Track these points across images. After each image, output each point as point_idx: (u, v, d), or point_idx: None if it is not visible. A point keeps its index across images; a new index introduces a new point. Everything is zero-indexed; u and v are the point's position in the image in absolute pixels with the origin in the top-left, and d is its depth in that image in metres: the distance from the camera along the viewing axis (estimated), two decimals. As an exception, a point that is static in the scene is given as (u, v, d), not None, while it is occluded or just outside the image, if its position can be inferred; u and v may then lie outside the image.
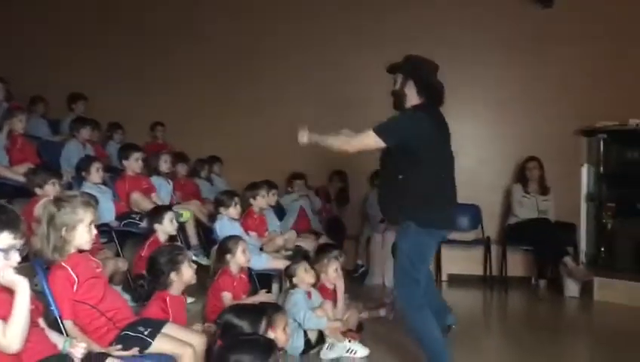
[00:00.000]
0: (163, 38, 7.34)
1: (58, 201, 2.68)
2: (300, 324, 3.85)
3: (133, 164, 5.04)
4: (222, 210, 4.78)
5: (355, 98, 6.84)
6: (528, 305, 5.79)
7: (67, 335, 2.56)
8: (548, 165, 6.28)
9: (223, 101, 7.21)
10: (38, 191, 4.07)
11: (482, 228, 6.49)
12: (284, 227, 5.60)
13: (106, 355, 2.47)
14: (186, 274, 3.23)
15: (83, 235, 2.67)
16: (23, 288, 2.12)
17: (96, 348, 2.57)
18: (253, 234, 4.95)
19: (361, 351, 3.91)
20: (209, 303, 4.04)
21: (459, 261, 6.33)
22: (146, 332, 2.71)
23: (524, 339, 4.51)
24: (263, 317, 2.58)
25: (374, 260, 6.41)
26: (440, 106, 3.45)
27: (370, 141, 3.31)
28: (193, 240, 5.03)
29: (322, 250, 4.55)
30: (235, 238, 4.16)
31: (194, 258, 4.34)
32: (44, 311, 2.50)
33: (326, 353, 3.89)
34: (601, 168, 6.21)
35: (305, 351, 3.90)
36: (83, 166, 4.73)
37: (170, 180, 5.56)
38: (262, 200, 5.15)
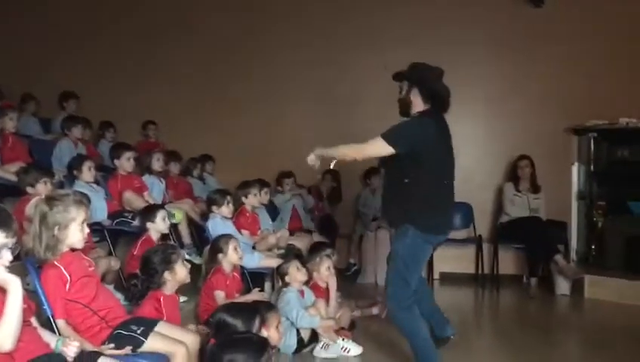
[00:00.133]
0: (155, 36, 7.31)
1: (50, 200, 2.67)
2: (292, 323, 3.86)
3: (125, 163, 5.03)
4: (214, 208, 4.79)
5: (348, 96, 6.87)
6: (520, 302, 5.82)
7: (60, 334, 2.55)
8: (539, 164, 6.31)
9: (215, 99, 7.20)
10: (29, 190, 4.05)
11: (474, 226, 6.53)
12: (278, 226, 5.60)
13: (99, 354, 2.47)
14: (180, 273, 3.23)
15: (75, 234, 2.66)
16: (15, 287, 2.12)
17: (89, 347, 2.56)
18: (245, 232, 4.95)
19: (355, 350, 3.93)
20: (202, 302, 4.04)
21: (451, 259, 6.35)
22: (138, 331, 2.71)
23: (516, 337, 4.54)
24: (256, 316, 2.59)
25: (367, 259, 6.43)
26: (445, 113, 3.52)
27: (379, 149, 3.37)
28: (186, 239, 5.03)
29: (315, 249, 4.56)
30: (226, 237, 4.16)
31: (187, 257, 4.34)
32: (36, 310, 2.50)
33: (320, 352, 3.90)
34: (592, 166, 6.25)
35: (297, 350, 3.90)
36: (75, 165, 4.72)
37: (162, 179, 5.55)
38: (254, 199, 5.15)
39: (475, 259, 6.40)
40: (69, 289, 2.63)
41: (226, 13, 7.25)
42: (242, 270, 4.40)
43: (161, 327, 2.81)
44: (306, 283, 4.24)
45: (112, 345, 2.63)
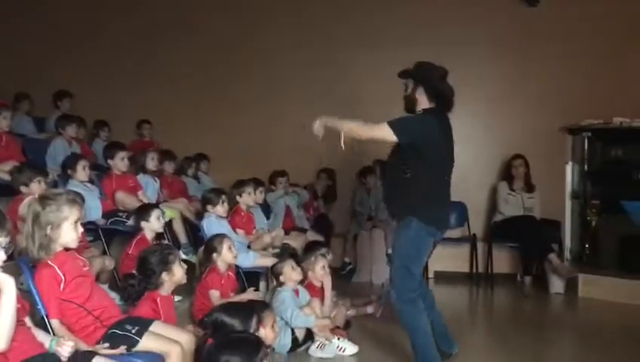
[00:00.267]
0: (152, 36, 7.31)
1: (43, 199, 2.66)
2: (287, 322, 3.86)
3: (119, 163, 5.01)
4: (209, 208, 4.78)
5: (348, 96, 6.86)
6: (514, 301, 5.84)
7: (54, 334, 2.55)
8: (533, 163, 6.33)
9: (212, 99, 7.20)
10: (23, 189, 4.03)
11: (468, 225, 6.55)
12: (272, 225, 5.60)
13: (93, 354, 2.47)
14: (177, 274, 3.23)
15: (68, 233, 2.65)
16: (8, 287, 2.11)
17: (83, 347, 2.56)
18: (240, 231, 4.95)
19: (350, 349, 3.93)
20: (197, 301, 4.04)
21: (445, 258, 6.36)
22: (133, 331, 2.70)
23: (510, 336, 4.55)
24: (253, 315, 2.59)
25: (362, 258, 6.43)
26: (449, 111, 3.61)
27: (384, 133, 3.42)
28: (182, 238, 5.01)
29: (310, 248, 4.56)
30: (220, 236, 4.16)
31: (184, 256, 4.34)
32: (30, 309, 2.49)
33: (315, 351, 3.90)
34: (586, 166, 6.27)
35: (292, 349, 3.90)
36: (69, 164, 4.70)
37: (156, 178, 5.53)
38: (248, 198, 5.15)
39: (470, 257, 6.42)
40: (64, 289, 2.62)
41: (224, 13, 7.25)
42: (237, 269, 4.40)
43: (155, 327, 2.80)
44: (301, 282, 4.24)
45: (106, 345, 2.63)
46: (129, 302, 3.15)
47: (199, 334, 3.11)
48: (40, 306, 2.61)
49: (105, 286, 3.92)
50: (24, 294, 2.55)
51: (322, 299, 4.24)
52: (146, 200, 4.89)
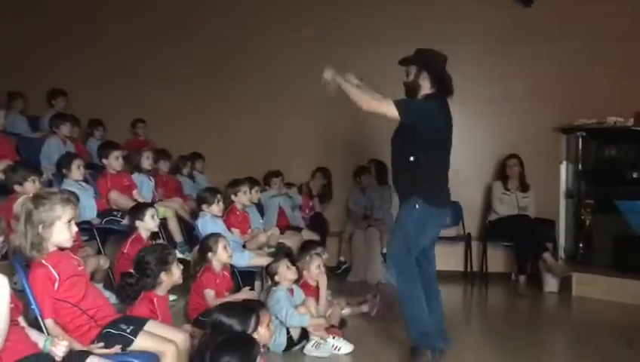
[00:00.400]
0: (146, 34, 7.28)
1: (36, 198, 2.65)
2: (282, 322, 3.86)
3: (113, 162, 5.00)
4: (204, 207, 4.77)
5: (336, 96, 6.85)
6: (508, 300, 5.85)
7: (48, 333, 2.54)
8: (528, 162, 6.34)
9: (204, 97, 7.18)
10: (17, 188, 4.02)
11: (463, 224, 6.56)
12: (266, 225, 5.60)
13: (88, 353, 2.46)
14: (176, 274, 3.23)
15: (61, 233, 2.64)
16: (2, 286, 2.10)
17: (78, 347, 2.55)
18: (236, 231, 4.94)
19: (346, 347, 3.93)
20: (191, 301, 4.04)
21: (440, 257, 6.24)
22: (128, 330, 2.70)
23: (504, 334, 4.56)
24: (252, 315, 2.59)
25: (357, 257, 6.44)
26: (450, 96, 3.71)
27: (388, 110, 3.49)
28: (177, 237, 5.00)
29: (305, 247, 4.56)
30: (215, 236, 4.16)
31: (180, 255, 4.34)
32: (24, 309, 2.48)
33: (311, 350, 3.90)
34: (580, 165, 6.29)
35: (287, 348, 3.90)
36: (64, 163, 4.69)
37: (151, 177, 5.53)
38: (244, 197, 5.14)
39: (464, 256, 6.44)
40: (58, 289, 2.62)
41: (221, 12, 7.23)
42: (232, 269, 4.40)
43: (150, 326, 2.80)
44: (296, 281, 4.24)
45: (101, 344, 2.62)
46: (127, 302, 3.13)
47: (194, 334, 3.11)
48: (34, 306, 2.60)
49: (99, 286, 3.92)
50: (18, 294, 2.54)
51: (317, 298, 4.24)
52: (140, 200, 4.88)
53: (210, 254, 4.06)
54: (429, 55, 3.73)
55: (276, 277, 4.09)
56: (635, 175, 5.88)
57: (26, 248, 2.59)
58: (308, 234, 5.73)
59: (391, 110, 3.48)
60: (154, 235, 4.38)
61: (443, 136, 3.64)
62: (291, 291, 4.13)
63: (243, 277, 4.59)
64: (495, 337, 4.52)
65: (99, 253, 4.40)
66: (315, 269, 4.33)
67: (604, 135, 6.16)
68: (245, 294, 4.13)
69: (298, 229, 5.83)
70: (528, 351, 4.16)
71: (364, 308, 4.91)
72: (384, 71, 6.56)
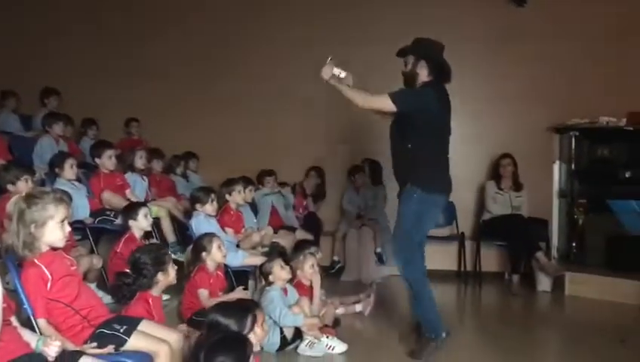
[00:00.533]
0: (138, 32, 7.26)
1: (29, 198, 2.64)
2: (275, 321, 3.86)
3: (106, 161, 4.98)
4: (198, 206, 4.76)
5: (330, 95, 6.84)
6: (502, 299, 5.87)
7: (40, 333, 2.53)
8: (521, 162, 6.35)
9: (198, 97, 7.16)
10: (10, 187, 4.00)
11: (457, 224, 6.56)
12: (259, 224, 5.59)
13: (81, 353, 2.45)
14: (172, 274, 3.22)
15: (54, 232, 2.63)
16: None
17: (71, 347, 2.54)
18: (229, 230, 4.94)
19: (339, 347, 3.93)
20: (185, 300, 4.03)
21: (433, 256, 6.28)
22: (121, 330, 2.69)
23: (498, 333, 4.58)
24: (248, 315, 2.58)
25: (350, 256, 6.43)
26: (447, 83, 3.79)
27: (385, 103, 3.61)
28: (170, 237, 4.99)
29: (299, 247, 4.56)
30: (209, 235, 4.15)
31: (173, 255, 4.32)
32: (16, 309, 2.47)
33: (304, 350, 3.90)
34: (573, 165, 6.31)
35: (281, 348, 3.90)
36: (56, 162, 4.66)
37: (145, 177, 5.51)
38: (238, 196, 5.14)
39: (458, 256, 6.45)
40: (50, 288, 2.61)
41: (216, 9, 7.20)
42: (226, 268, 4.39)
43: (144, 326, 2.79)
44: (290, 281, 4.24)
45: (94, 344, 2.61)
46: (123, 301, 3.12)
47: (187, 334, 3.10)
48: (26, 306, 2.59)
49: (92, 286, 3.91)
50: (10, 293, 2.53)
51: (311, 298, 4.24)
52: (134, 199, 4.86)
53: (204, 254, 4.05)
54: (426, 44, 3.81)
55: (270, 277, 4.08)
56: (627, 175, 5.90)
57: (19, 247, 2.58)
58: (302, 234, 5.73)
59: (387, 102, 3.59)
60: (147, 235, 4.37)
61: (440, 122, 3.71)
62: (285, 291, 4.13)
63: (237, 276, 4.59)
64: (488, 336, 4.53)
65: (92, 252, 4.38)
66: (309, 269, 4.33)
67: (596, 135, 6.19)
68: (239, 294, 4.13)
69: (292, 229, 5.83)
70: (521, 351, 4.18)
71: (358, 308, 4.92)
72: (379, 70, 6.60)
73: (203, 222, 4.68)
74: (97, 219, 4.62)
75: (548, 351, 4.46)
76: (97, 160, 5.01)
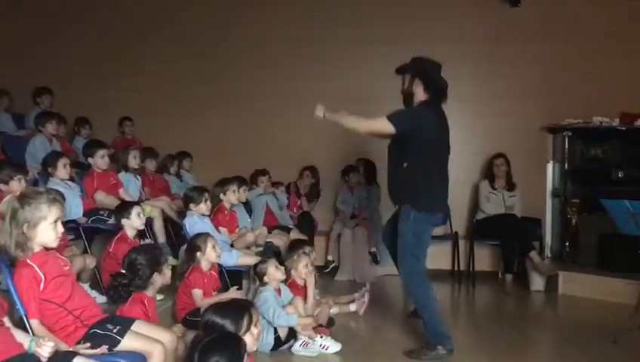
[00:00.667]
0: (131, 31, 7.24)
1: (23, 198, 2.63)
2: (269, 322, 3.85)
3: (99, 161, 4.96)
4: (192, 206, 4.74)
5: (325, 94, 6.84)
6: (495, 298, 5.88)
7: (33, 334, 2.52)
8: (514, 162, 6.38)
9: (192, 96, 7.15)
10: (2, 187, 3.98)
11: (450, 223, 6.56)
12: (253, 224, 5.58)
13: (74, 354, 2.44)
14: (167, 274, 3.22)
15: (47, 233, 2.62)
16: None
17: (64, 347, 2.53)
18: (223, 230, 4.93)
19: (333, 347, 3.93)
20: (179, 300, 4.02)
21: (428, 255, 6.37)
22: (115, 330, 2.69)
23: (491, 332, 4.59)
24: (245, 315, 2.57)
25: (345, 256, 6.43)
26: (444, 102, 3.87)
27: (383, 126, 3.70)
28: (161, 238, 4.97)
29: (293, 246, 4.56)
30: (204, 235, 4.14)
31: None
32: (9, 309, 2.46)
33: (299, 349, 3.90)
34: (566, 165, 6.33)
35: (275, 348, 3.90)
36: (50, 161, 4.64)
37: (138, 176, 5.49)
38: (232, 196, 5.13)
39: (452, 255, 6.46)
40: (43, 289, 2.60)
41: (203, 8, 7.19)
42: (220, 268, 4.38)
43: (137, 326, 2.79)
44: (284, 280, 4.24)
45: (87, 345, 2.60)
46: (119, 302, 3.10)
47: (182, 334, 3.09)
48: (19, 306, 2.58)
49: (86, 286, 3.89)
50: (3, 294, 2.52)
51: (305, 298, 4.23)
52: (127, 198, 4.85)
53: (198, 254, 4.05)
54: (422, 63, 3.88)
55: (265, 278, 4.08)
56: (620, 174, 5.92)
57: (11, 247, 2.58)
58: (296, 234, 5.72)
59: (386, 125, 3.67)
60: (141, 235, 4.36)
61: (437, 142, 3.78)
62: (279, 291, 4.12)
63: (230, 276, 4.58)
64: (482, 335, 4.54)
65: (85, 252, 4.37)
66: (303, 268, 4.33)
67: (590, 135, 6.21)
68: (233, 293, 4.12)
69: (286, 229, 5.82)
70: (515, 349, 4.20)
71: (352, 307, 4.92)
72: (371, 69, 6.63)
73: (197, 221, 4.67)
74: (91, 219, 4.60)
75: (541, 349, 4.48)
76: (90, 159, 4.99)
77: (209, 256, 4.06)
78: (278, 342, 3.90)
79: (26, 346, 2.32)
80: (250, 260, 4.49)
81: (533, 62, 6.57)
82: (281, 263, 4.26)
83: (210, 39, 7.15)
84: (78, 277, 3.69)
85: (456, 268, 6.42)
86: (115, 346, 2.65)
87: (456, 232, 6.48)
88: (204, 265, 4.06)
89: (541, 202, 6.52)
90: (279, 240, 5.23)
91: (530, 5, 6.59)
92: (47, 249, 2.67)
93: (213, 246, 4.08)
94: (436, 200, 3.87)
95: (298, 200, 6.77)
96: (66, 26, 7.30)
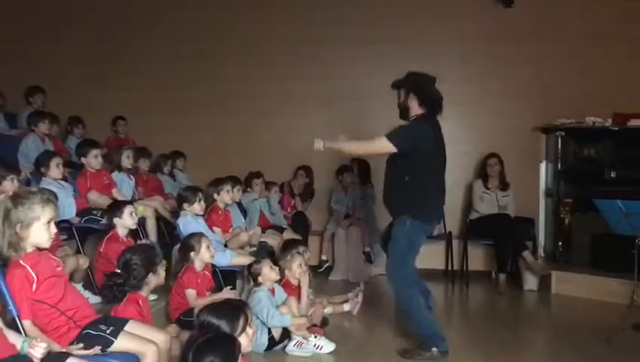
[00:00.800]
0: (124, 30, 7.21)
1: (16, 198, 2.62)
2: (263, 322, 3.84)
3: (92, 161, 4.94)
4: (185, 206, 4.71)
5: (325, 94, 6.86)
6: (488, 298, 5.89)
7: (26, 335, 2.50)
8: (508, 162, 6.40)
9: (186, 95, 7.13)
10: (-5, 186, 3.96)
11: (444, 223, 6.57)
12: (248, 225, 5.56)
13: (67, 355, 2.43)
14: (162, 275, 3.20)
15: (39, 233, 2.61)
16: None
17: (57, 348, 2.52)
18: (217, 230, 4.92)
19: (327, 346, 3.93)
20: (172, 301, 4.01)
21: (421, 255, 6.34)
22: (108, 331, 2.68)
23: (485, 332, 4.60)
24: (240, 316, 2.57)
25: (339, 256, 6.43)
26: (439, 115, 3.98)
27: (384, 146, 3.82)
28: (153, 238, 4.95)
29: (287, 246, 4.55)
30: (198, 235, 4.13)
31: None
32: (1, 310, 2.45)
33: (292, 349, 3.90)
34: (559, 165, 6.35)
35: (269, 348, 3.89)
36: (42, 161, 4.62)
37: (132, 176, 5.47)
38: (226, 196, 5.11)
39: (445, 255, 6.48)
40: (36, 290, 2.58)
41: (197, 8, 7.17)
42: (214, 268, 4.37)
43: (131, 327, 2.77)
44: (278, 281, 4.23)
45: (80, 345, 2.59)
46: (114, 301, 3.09)
47: (176, 335, 3.08)
48: (11, 307, 2.56)
49: (79, 286, 3.87)
50: (-5, 295, 2.50)
51: (299, 297, 4.23)
52: (120, 198, 4.83)
53: (192, 254, 4.04)
54: (417, 78, 3.98)
55: (259, 278, 4.07)
56: (613, 174, 5.94)
57: (3, 247, 2.56)
58: (289, 234, 5.72)
59: (386, 144, 3.79)
60: (134, 234, 4.34)
61: (435, 154, 3.90)
62: (272, 291, 4.12)
63: (224, 276, 4.57)
64: (475, 335, 4.55)
65: (78, 252, 4.35)
66: (297, 268, 4.32)
67: (583, 135, 6.23)
68: (227, 294, 4.11)
69: (280, 229, 5.81)
70: (508, 349, 4.21)
71: (346, 307, 4.92)
72: (371, 69, 6.63)
73: (191, 221, 4.65)
74: (84, 219, 4.58)
75: (534, 349, 4.50)
76: (84, 159, 4.97)
77: (203, 256, 4.05)
78: (272, 342, 3.90)
79: (18, 347, 2.31)
80: (244, 260, 4.49)
81: (527, 62, 6.60)
82: (275, 263, 4.25)
83: (204, 39, 7.12)
84: (71, 278, 3.68)
85: (449, 268, 6.43)
86: (109, 347, 2.64)
87: (449, 232, 6.50)
88: (198, 265, 4.05)
89: (534, 202, 6.54)
90: (273, 240, 5.22)
91: (523, 6, 6.60)
92: (39, 249, 2.65)
93: (208, 247, 4.07)
94: (434, 210, 4.01)
95: (292, 199, 6.76)
96: (59, 26, 7.26)
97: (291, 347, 3.91)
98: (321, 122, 6.62)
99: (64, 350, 2.53)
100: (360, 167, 6.70)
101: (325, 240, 6.61)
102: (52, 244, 2.80)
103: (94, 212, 4.62)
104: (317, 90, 6.90)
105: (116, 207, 4.21)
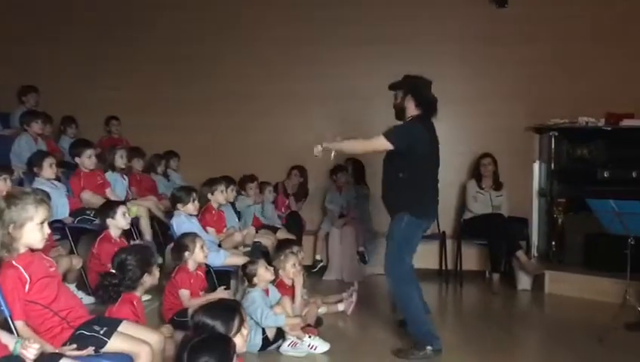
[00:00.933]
0: (118, 30, 7.18)
1: (9, 198, 2.61)
2: (257, 322, 3.84)
3: (86, 161, 4.92)
4: (179, 206, 4.70)
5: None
6: (482, 298, 5.91)
7: (18, 335, 2.49)
8: (501, 162, 6.41)
9: (179, 95, 7.10)
10: (-12, 187, 3.94)
11: (438, 223, 6.57)
12: (242, 227, 5.55)
13: (60, 355, 2.42)
14: (156, 275, 3.20)
15: (32, 234, 2.60)
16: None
17: (50, 349, 2.51)
18: (211, 230, 4.91)
19: (322, 346, 3.93)
20: (166, 301, 4.01)
21: (415, 255, 6.41)
22: (101, 331, 2.67)
23: (478, 331, 4.61)
24: (235, 316, 2.57)
25: (333, 255, 6.43)
26: (434, 117, 4.11)
27: (381, 144, 3.93)
28: (147, 237, 4.94)
29: (281, 246, 4.55)
30: (192, 235, 4.12)
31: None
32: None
33: (287, 350, 3.90)
34: (552, 164, 6.36)
35: (263, 348, 3.89)
36: (35, 161, 4.60)
37: (125, 176, 5.45)
38: (220, 196, 5.10)
39: (439, 254, 6.49)
40: (29, 290, 2.57)
41: (193, 10, 7.15)
42: (208, 268, 4.36)
43: (124, 327, 2.77)
44: (272, 281, 4.23)
45: (73, 346, 2.58)
46: (108, 302, 3.08)
47: (170, 335, 3.07)
48: (4, 307, 2.55)
49: (72, 286, 3.86)
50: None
51: (293, 297, 4.23)
52: (114, 198, 4.81)
53: (186, 254, 4.03)
54: (414, 80, 4.12)
55: (254, 279, 4.06)
56: (606, 174, 5.96)
57: (-3, 246, 2.54)
58: (283, 234, 5.71)
59: (383, 143, 3.90)
60: (127, 235, 4.32)
61: (429, 154, 4.03)
62: (266, 291, 4.11)
63: (218, 276, 4.56)
64: (469, 334, 4.56)
65: (71, 252, 4.33)
66: (291, 268, 4.32)
67: (576, 135, 6.25)
68: (221, 294, 4.11)
69: (274, 229, 5.81)
70: (502, 348, 4.22)
71: (341, 307, 4.92)
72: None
73: (184, 221, 4.64)
74: (77, 219, 4.57)
75: (528, 348, 4.51)
76: (77, 159, 4.95)
77: (197, 256, 4.04)
78: (266, 343, 3.89)
79: (11, 348, 2.30)
80: (238, 260, 4.48)
81: (520, 62, 6.61)
82: (269, 263, 4.24)
83: (199, 39, 7.09)
84: (65, 278, 3.66)
85: (443, 268, 6.45)
86: (102, 347, 2.63)
87: (443, 232, 6.51)
88: (191, 265, 4.05)
89: (528, 202, 6.55)
90: (267, 240, 5.22)
91: (517, 6, 6.62)
92: (32, 250, 2.64)
93: (202, 247, 4.06)
94: (430, 207, 4.13)
95: (286, 199, 6.75)
96: (52, 26, 7.22)
97: (285, 347, 3.91)
98: (320, 122, 6.62)
99: (57, 351, 2.52)
100: (354, 166, 6.70)
101: (319, 239, 6.61)
102: (45, 245, 2.79)
103: (87, 212, 4.60)
104: (316, 90, 6.89)
105: (109, 208, 4.19)
